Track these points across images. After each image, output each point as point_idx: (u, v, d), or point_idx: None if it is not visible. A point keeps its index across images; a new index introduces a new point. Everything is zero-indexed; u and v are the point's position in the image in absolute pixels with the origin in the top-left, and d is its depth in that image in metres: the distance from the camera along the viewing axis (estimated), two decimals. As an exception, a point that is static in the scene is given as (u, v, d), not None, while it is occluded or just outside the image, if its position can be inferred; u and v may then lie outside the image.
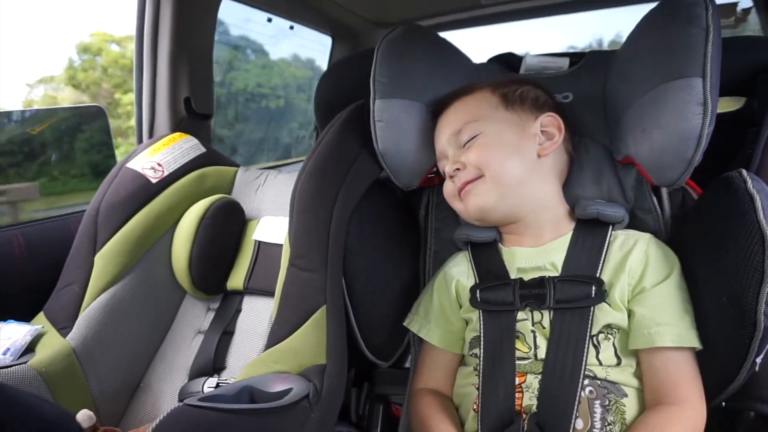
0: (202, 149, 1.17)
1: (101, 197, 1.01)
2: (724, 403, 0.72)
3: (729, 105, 1.12)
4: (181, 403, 0.61)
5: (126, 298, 0.98)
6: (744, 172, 0.71)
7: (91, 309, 0.92)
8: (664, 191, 0.87)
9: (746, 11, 1.83)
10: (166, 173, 1.08)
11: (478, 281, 0.83)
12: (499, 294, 0.79)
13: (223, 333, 1.04)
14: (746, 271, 0.64)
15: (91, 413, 0.69)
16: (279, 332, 0.81)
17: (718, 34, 0.72)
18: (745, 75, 0.93)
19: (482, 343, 0.77)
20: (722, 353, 0.68)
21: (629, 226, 0.84)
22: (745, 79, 0.93)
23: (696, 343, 0.70)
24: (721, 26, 0.75)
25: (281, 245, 0.92)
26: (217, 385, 0.95)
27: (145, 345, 1.02)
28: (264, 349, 0.82)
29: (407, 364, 0.98)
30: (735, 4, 1.85)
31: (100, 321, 0.93)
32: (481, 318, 0.79)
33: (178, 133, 1.17)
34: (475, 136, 0.83)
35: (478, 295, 0.80)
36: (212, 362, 1.00)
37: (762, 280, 0.62)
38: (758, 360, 0.64)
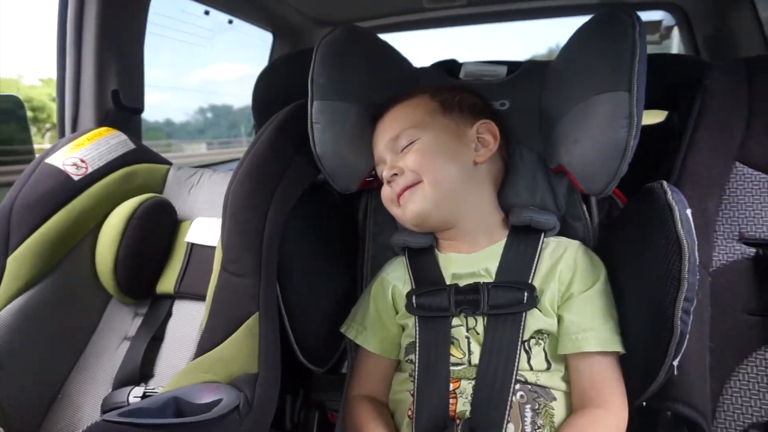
0: (131, 145, 1.11)
1: (15, 194, 0.93)
2: (645, 404, 0.75)
3: (653, 118, 1.18)
4: (99, 419, 0.58)
5: (42, 303, 0.91)
6: (665, 183, 0.74)
7: (1, 316, 0.85)
8: (593, 200, 0.90)
9: (669, 29, 1.95)
10: (90, 170, 1.01)
11: (414, 287, 0.83)
12: (434, 300, 0.79)
13: (151, 339, 0.99)
14: (665, 278, 0.67)
15: (1, 430, 0.64)
16: (209, 340, 0.78)
17: (644, 51, 0.76)
18: (668, 91, 0.98)
19: (417, 349, 0.78)
20: (643, 356, 0.71)
21: (560, 233, 0.86)
22: (668, 94, 0.98)
23: (619, 348, 0.73)
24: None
25: (215, 247, 0.89)
26: (144, 395, 0.90)
27: (64, 353, 0.95)
28: (194, 357, 0.79)
29: (344, 370, 0.97)
30: (659, 22, 1.96)
31: (13, 329, 0.86)
32: (417, 324, 0.79)
33: (104, 128, 1.10)
34: (412, 142, 0.83)
35: (414, 300, 0.80)
36: (139, 370, 0.94)
37: (679, 288, 0.65)
38: (675, 363, 0.67)
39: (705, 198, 0.83)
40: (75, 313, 0.97)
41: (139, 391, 0.91)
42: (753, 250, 0.83)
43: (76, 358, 0.97)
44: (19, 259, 0.89)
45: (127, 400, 0.89)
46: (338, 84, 0.89)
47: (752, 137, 0.85)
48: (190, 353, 0.97)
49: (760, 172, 0.85)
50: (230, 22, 1.80)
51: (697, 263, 0.67)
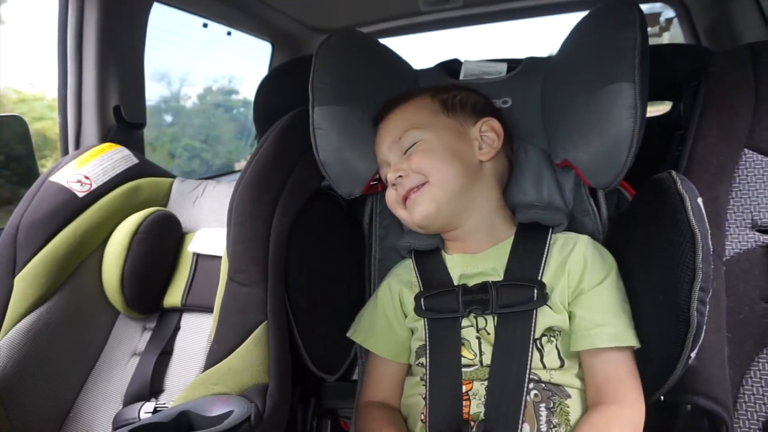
0: (135, 160, 1.11)
1: (21, 214, 0.94)
2: (662, 398, 0.74)
3: (657, 109, 1.17)
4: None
5: (51, 322, 0.91)
6: (674, 173, 0.73)
7: (10, 336, 0.85)
8: (601, 193, 0.89)
9: (669, 21, 1.94)
10: (94, 186, 1.01)
11: (422, 289, 0.82)
12: (443, 301, 0.78)
13: (160, 353, 0.98)
14: (679, 269, 0.66)
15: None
16: (218, 351, 0.77)
17: (646, 42, 0.75)
18: (670, 81, 0.97)
19: (428, 351, 0.76)
20: (659, 350, 0.69)
21: (568, 228, 0.85)
22: (671, 84, 0.97)
23: (634, 342, 0.72)
24: (647, 34, 0.78)
25: (221, 257, 0.89)
26: (155, 410, 0.89)
27: (73, 371, 0.95)
28: (203, 369, 0.78)
29: (355, 377, 0.96)
30: (659, 14, 1.95)
31: (22, 348, 0.86)
32: (427, 326, 0.78)
33: (107, 144, 1.11)
34: (416, 143, 0.82)
35: (422, 303, 0.79)
36: (149, 385, 0.94)
37: (693, 278, 0.64)
38: (692, 355, 0.66)
39: (715, 186, 0.82)
40: (83, 330, 0.97)
41: (149, 406, 0.90)
42: (767, 237, 0.82)
43: (86, 375, 0.97)
44: (27, 278, 0.89)
45: (138, 416, 0.89)
46: (338, 89, 0.89)
47: (760, 123, 0.84)
48: (199, 366, 0.96)
49: None
50: (229, 33, 1.81)
51: (711, 252, 0.65)
